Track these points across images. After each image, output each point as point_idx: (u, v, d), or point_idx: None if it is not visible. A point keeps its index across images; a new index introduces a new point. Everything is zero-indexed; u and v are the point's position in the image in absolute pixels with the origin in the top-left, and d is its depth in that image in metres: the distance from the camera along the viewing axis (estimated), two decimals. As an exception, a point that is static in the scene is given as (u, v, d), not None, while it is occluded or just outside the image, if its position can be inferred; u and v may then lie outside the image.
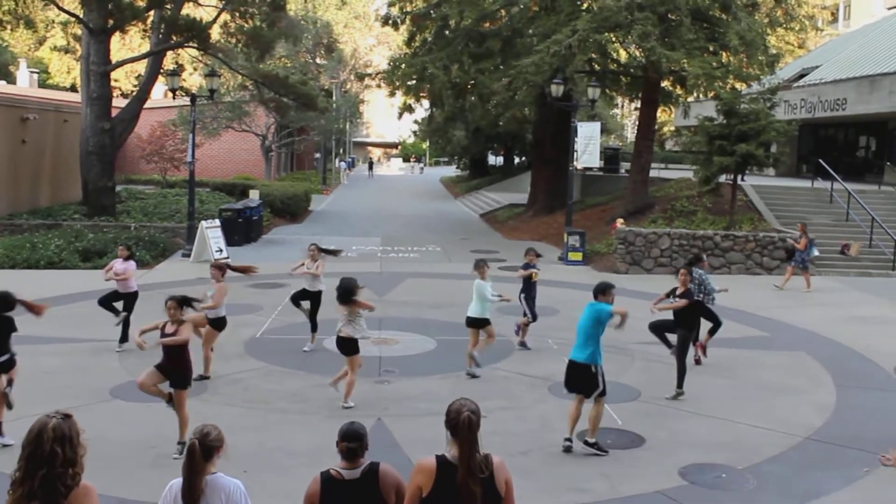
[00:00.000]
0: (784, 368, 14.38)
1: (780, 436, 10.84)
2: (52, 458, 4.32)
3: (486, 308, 13.51)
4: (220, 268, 13.40)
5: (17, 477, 4.39)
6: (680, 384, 12.48)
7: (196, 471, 4.93)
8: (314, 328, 14.91)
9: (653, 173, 34.31)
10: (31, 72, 63.56)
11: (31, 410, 10.68)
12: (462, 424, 4.93)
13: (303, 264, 15.43)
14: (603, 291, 10.33)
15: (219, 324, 12.97)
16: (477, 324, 13.49)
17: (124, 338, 14.40)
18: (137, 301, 14.83)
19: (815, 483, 9.41)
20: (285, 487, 8.48)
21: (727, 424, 11.31)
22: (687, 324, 12.78)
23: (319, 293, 15.01)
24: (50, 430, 4.34)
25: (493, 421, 10.34)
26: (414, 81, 35.17)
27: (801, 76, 43.80)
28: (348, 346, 11.62)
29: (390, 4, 37.37)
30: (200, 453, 4.95)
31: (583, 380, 10.17)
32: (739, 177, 26.65)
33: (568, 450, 10.12)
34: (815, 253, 22.94)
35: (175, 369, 9.70)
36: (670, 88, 34.52)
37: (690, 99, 35.06)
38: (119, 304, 14.75)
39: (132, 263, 14.97)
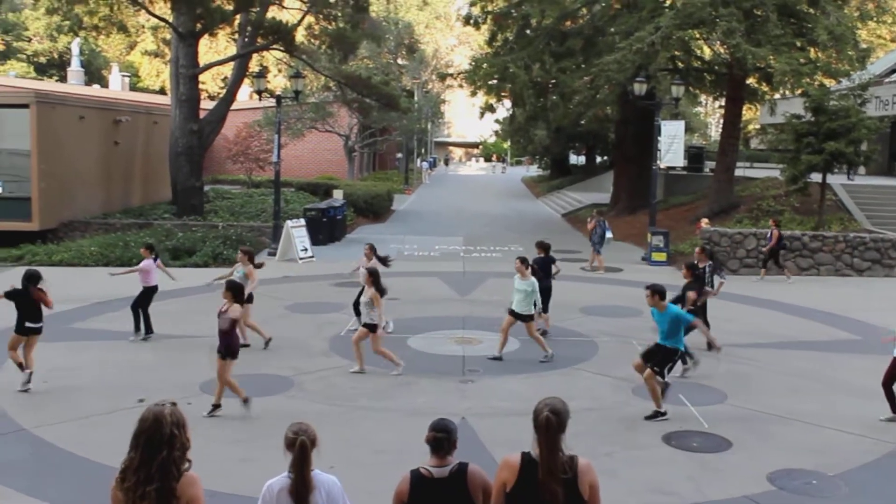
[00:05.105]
0: (875, 373, 13.91)
1: (871, 442, 10.59)
2: (172, 440, 4.49)
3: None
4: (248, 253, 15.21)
5: (130, 464, 4.51)
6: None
7: (307, 466, 5.07)
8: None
9: (738, 172, 33.72)
10: (123, 75, 65.58)
11: (124, 403, 11.12)
12: (540, 424, 4.96)
13: (359, 268, 15.92)
14: None
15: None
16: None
17: (148, 329, 15.42)
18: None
19: (910, 491, 9.16)
20: (370, 485, 8.58)
21: (816, 429, 11.08)
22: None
23: None
24: (168, 416, 4.52)
25: (576, 421, 10.23)
26: (495, 81, 35.18)
27: (894, 71, 42.54)
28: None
29: (471, 4, 37.41)
30: (310, 449, 5.09)
31: None
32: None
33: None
34: (609, 235, 25.63)
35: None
36: (756, 85, 33.89)
37: (777, 96, 34.37)
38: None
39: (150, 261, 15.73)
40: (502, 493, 5.03)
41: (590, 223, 25.75)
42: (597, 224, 25.05)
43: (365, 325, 13.20)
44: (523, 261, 14.29)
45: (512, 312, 14.22)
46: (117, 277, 16.41)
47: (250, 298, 14.72)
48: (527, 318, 14.12)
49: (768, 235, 23.38)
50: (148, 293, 15.40)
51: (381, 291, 13.03)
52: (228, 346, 11.05)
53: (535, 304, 14.19)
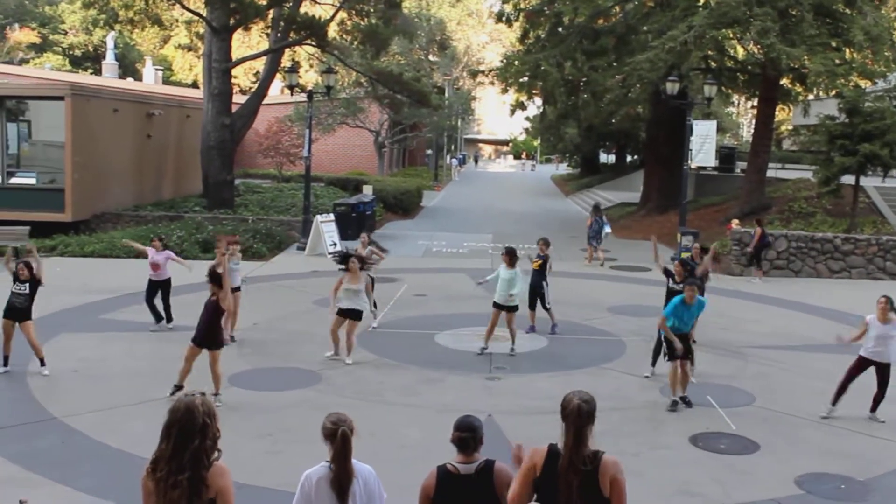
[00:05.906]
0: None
1: (902, 447, 10.50)
2: (205, 429, 4.53)
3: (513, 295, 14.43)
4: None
5: (161, 454, 4.54)
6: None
7: (349, 457, 5.10)
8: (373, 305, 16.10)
9: (769, 173, 33.44)
10: (156, 69, 66.07)
11: (155, 394, 11.23)
12: (571, 411, 4.96)
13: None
14: None
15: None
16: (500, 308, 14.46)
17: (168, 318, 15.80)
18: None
19: (940, 497, 9.06)
20: (396, 479, 8.59)
21: (845, 433, 10.99)
22: None
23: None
24: (199, 405, 4.55)
25: (602, 421, 10.23)
26: (526, 78, 35.08)
27: (931, 73, 41.96)
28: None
29: (504, 1, 37.34)
30: (351, 439, 5.09)
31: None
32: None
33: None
34: (608, 230, 25.94)
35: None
36: (789, 86, 33.58)
37: (811, 97, 34.05)
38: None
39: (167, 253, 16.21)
40: (531, 476, 5.03)
41: (588, 220, 26.69)
42: (593, 220, 25.79)
43: (347, 312, 13.61)
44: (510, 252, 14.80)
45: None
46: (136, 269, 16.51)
47: (237, 288, 15.11)
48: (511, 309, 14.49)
49: (752, 235, 23.75)
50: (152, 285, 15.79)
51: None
52: (217, 336, 11.46)
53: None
